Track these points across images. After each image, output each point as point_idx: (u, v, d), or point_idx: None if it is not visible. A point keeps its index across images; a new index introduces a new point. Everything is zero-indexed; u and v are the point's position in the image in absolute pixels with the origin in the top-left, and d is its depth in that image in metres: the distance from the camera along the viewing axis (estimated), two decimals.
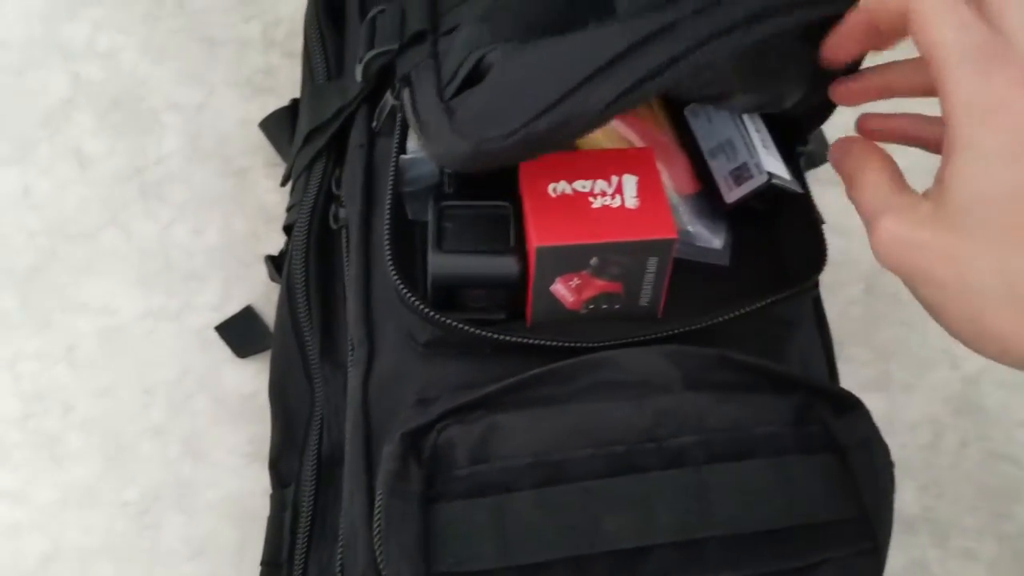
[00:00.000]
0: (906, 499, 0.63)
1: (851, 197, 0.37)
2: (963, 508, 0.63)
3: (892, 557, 0.61)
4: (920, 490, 0.63)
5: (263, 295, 0.63)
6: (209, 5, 0.72)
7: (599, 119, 0.37)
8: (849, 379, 0.53)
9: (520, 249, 0.42)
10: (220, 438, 0.60)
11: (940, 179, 0.32)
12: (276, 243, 0.62)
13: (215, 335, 0.62)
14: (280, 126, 0.64)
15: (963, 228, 0.31)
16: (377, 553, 0.39)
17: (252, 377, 0.61)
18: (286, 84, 0.69)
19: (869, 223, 0.34)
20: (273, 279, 0.59)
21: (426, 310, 0.41)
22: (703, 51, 0.36)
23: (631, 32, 0.37)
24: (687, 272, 0.44)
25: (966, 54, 0.31)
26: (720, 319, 0.42)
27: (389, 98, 0.45)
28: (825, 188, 0.55)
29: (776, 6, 0.37)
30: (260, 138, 0.66)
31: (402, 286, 0.41)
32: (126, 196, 0.65)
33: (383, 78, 0.48)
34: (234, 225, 0.65)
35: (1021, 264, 0.30)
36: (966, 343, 0.32)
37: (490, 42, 0.41)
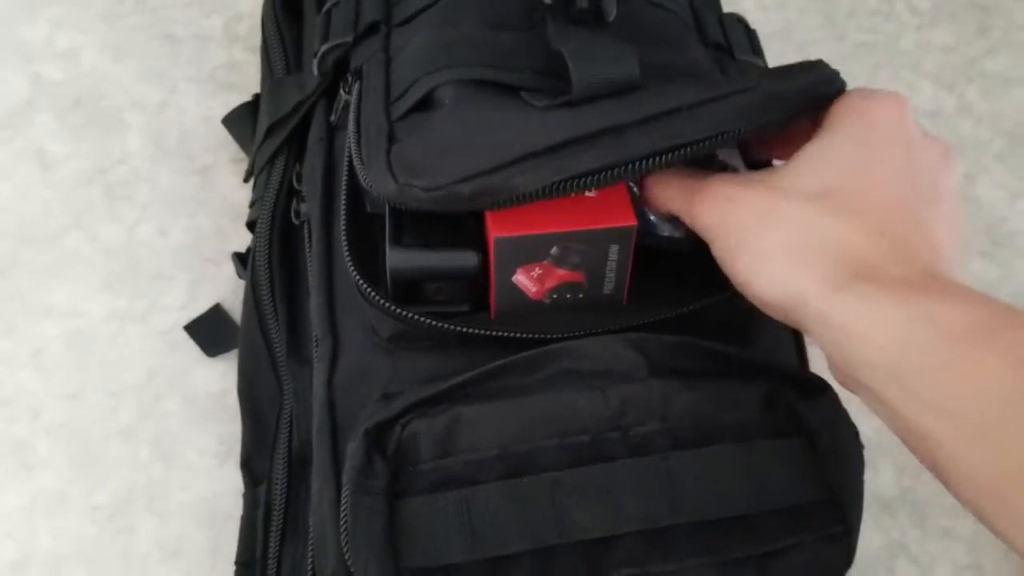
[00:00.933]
0: (884, 481, 0.63)
1: (661, 195, 0.41)
2: (941, 488, 0.63)
3: (871, 539, 0.62)
4: (898, 471, 0.63)
5: (231, 293, 0.63)
6: (169, 1, 0.71)
7: (523, 200, 0.37)
8: (821, 362, 0.53)
9: (479, 241, 0.41)
10: (191, 439, 0.60)
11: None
12: (243, 240, 0.61)
13: (183, 335, 0.61)
14: (243, 122, 0.63)
15: (782, 188, 0.36)
16: (344, 550, 0.38)
17: (222, 376, 0.61)
18: (249, 79, 0.69)
19: (692, 193, 0.38)
20: (241, 276, 0.58)
21: (387, 305, 0.40)
22: (641, 164, 0.37)
23: (577, 125, 0.38)
24: (651, 260, 0.44)
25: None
26: (688, 307, 0.42)
27: (342, 93, 0.45)
28: None
29: (727, 129, 0.37)
30: (224, 135, 0.66)
31: (362, 281, 0.40)
32: (89, 197, 0.65)
33: (340, 71, 0.47)
34: (200, 223, 0.64)
35: (821, 224, 0.34)
36: (739, 287, 0.37)
37: (446, 67, 0.41)
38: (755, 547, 0.39)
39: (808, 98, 0.39)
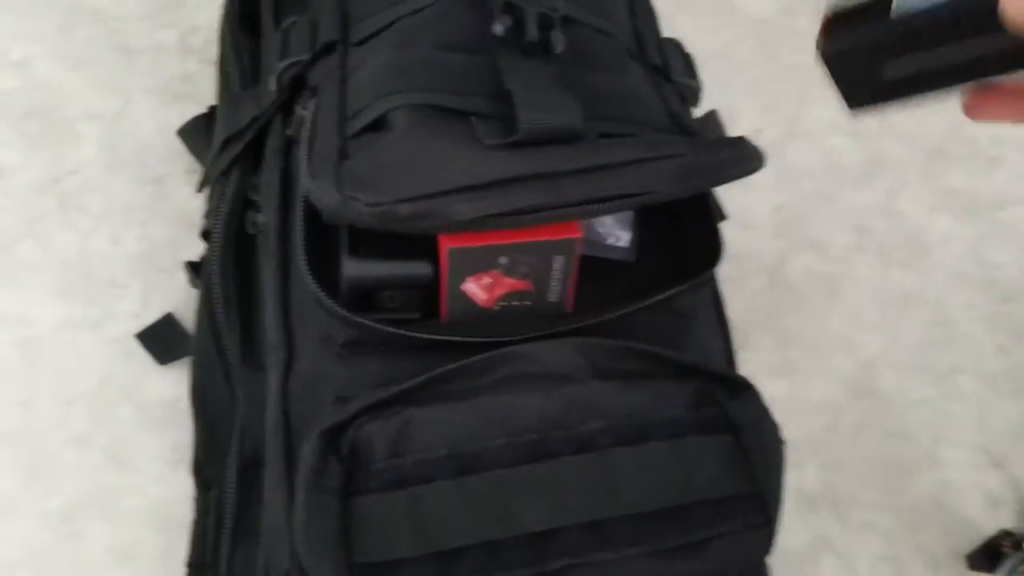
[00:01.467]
0: (808, 478, 0.66)
1: None
2: (861, 484, 0.67)
3: (796, 535, 0.65)
4: (821, 469, 0.67)
5: (183, 302, 0.63)
6: (124, 12, 0.72)
7: (457, 227, 0.40)
8: (755, 365, 0.56)
9: (432, 251, 0.43)
10: (143, 445, 0.60)
11: None
12: (196, 250, 0.62)
13: (136, 343, 0.62)
14: (198, 133, 0.64)
15: None
16: (299, 547, 0.40)
17: (174, 384, 0.61)
18: (205, 91, 0.70)
19: None
20: (193, 285, 0.59)
21: (344, 313, 0.42)
22: (569, 211, 0.40)
23: (517, 166, 0.41)
24: (596, 268, 0.47)
25: None
26: (623, 312, 0.44)
27: (298, 109, 0.46)
28: (732, 187, 0.58)
29: (651, 190, 0.41)
30: (179, 145, 0.66)
31: (319, 289, 0.42)
32: (43, 207, 0.65)
33: (297, 87, 0.49)
34: (153, 233, 0.65)
35: None
36: None
37: (400, 90, 0.43)
38: (685, 536, 0.41)
39: (725, 174, 0.43)
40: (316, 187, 0.40)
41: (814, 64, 0.73)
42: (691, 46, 0.60)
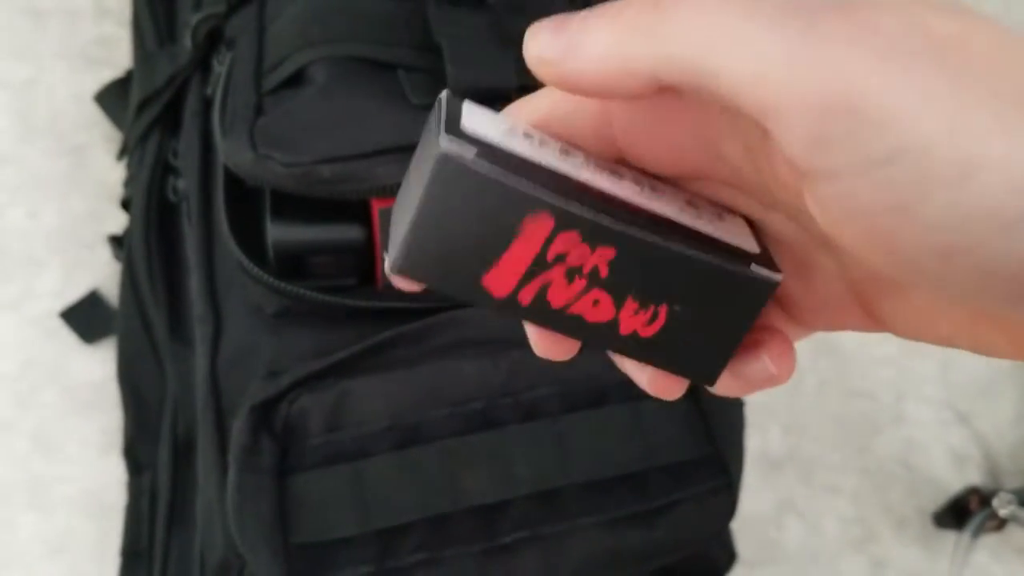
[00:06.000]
0: (772, 441, 0.65)
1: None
2: (825, 445, 0.66)
3: (761, 498, 0.64)
4: (784, 431, 0.66)
5: (109, 278, 0.60)
6: None
7: (382, 192, 0.38)
8: None
9: (364, 212, 0.41)
10: (71, 430, 0.57)
11: None
12: (120, 222, 0.59)
13: (59, 322, 0.58)
14: (117, 98, 0.61)
15: None
16: (233, 531, 0.38)
17: (101, 364, 0.58)
18: (122, 55, 0.66)
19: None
20: (118, 259, 0.56)
21: (271, 280, 0.40)
22: None
23: None
24: None
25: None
26: None
27: (215, 65, 0.43)
28: None
29: None
30: (97, 113, 0.63)
31: (243, 256, 0.40)
32: None
33: (215, 42, 0.46)
34: (73, 206, 0.62)
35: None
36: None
37: (320, 42, 0.40)
38: (644, 504, 0.40)
39: None
40: (228, 146, 0.38)
41: None
42: None
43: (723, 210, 0.22)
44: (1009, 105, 0.15)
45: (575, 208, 0.19)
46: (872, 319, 0.21)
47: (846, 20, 0.16)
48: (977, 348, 0.20)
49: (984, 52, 0.16)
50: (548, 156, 0.20)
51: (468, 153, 0.19)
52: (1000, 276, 0.16)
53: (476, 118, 0.21)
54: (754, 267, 0.20)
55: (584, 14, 0.19)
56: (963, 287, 0.16)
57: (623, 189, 0.21)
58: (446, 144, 0.19)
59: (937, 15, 0.16)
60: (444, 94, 0.21)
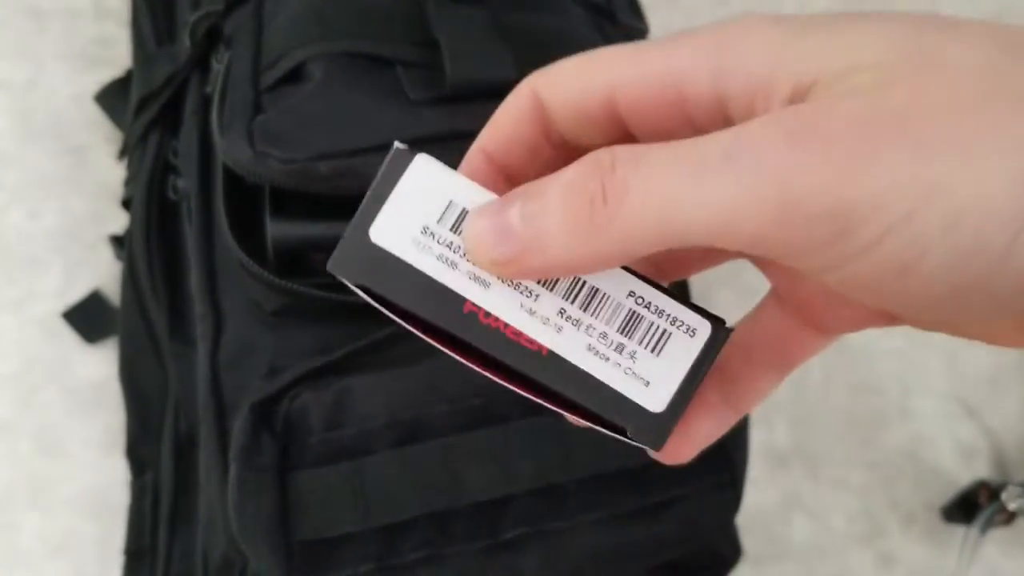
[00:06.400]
0: (778, 435, 0.65)
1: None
2: (832, 440, 0.66)
3: (767, 492, 0.64)
4: (791, 425, 0.65)
5: (111, 277, 0.60)
6: None
7: None
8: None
9: None
10: (73, 430, 0.57)
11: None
12: (121, 222, 0.59)
13: (61, 323, 0.58)
14: (117, 98, 0.60)
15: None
16: (234, 528, 0.38)
17: (104, 363, 0.58)
18: (123, 55, 0.65)
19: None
20: (119, 259, 0.56)
21: (271, 278, 0.39)
22: None
23: (447, 122, 0.38)
24: None
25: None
26: None
27: (214, 63, 0.43)
28: None
29: None
30: (98, 113, 0.63)
31: (242, 253, 0.39)
32: None
33: (214, 41, 0.46)
34: (74, 206, 0.61)
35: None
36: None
37: (318, 39, 0.40)
38: (646, 499, 0.40)
39: None
40: (227, 143, 0.37)
41: (769, 7, 0.71)
42: None
43: (672, 323, 0.21)
44: (958, 151, 0.16)
45: (447, 349, 0.20)
46: (892, 317, 0.22)
47: (787, 138, 0.17)
48: (985, 337, 0.20)
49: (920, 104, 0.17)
50: (450, 277, 0.20)
51: (351, 277, 0.20)
52: (1011, 295, 0.17)
53: (403, 206, 0.20)
54: (631, 433, 0.21)
55: (517, 203, 0.19)
56: (981, 313, 0.17)
57: (528, 323, 0.20)
58: (332, 260, 0.21)
59: (844, 96, 0.17)
60: (393, 149, 0.20)
